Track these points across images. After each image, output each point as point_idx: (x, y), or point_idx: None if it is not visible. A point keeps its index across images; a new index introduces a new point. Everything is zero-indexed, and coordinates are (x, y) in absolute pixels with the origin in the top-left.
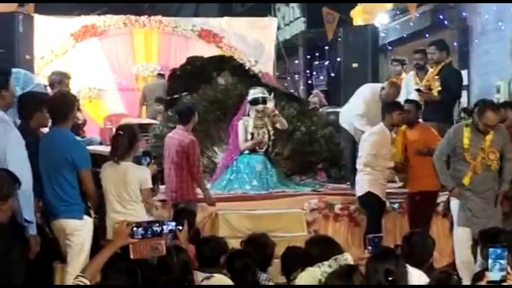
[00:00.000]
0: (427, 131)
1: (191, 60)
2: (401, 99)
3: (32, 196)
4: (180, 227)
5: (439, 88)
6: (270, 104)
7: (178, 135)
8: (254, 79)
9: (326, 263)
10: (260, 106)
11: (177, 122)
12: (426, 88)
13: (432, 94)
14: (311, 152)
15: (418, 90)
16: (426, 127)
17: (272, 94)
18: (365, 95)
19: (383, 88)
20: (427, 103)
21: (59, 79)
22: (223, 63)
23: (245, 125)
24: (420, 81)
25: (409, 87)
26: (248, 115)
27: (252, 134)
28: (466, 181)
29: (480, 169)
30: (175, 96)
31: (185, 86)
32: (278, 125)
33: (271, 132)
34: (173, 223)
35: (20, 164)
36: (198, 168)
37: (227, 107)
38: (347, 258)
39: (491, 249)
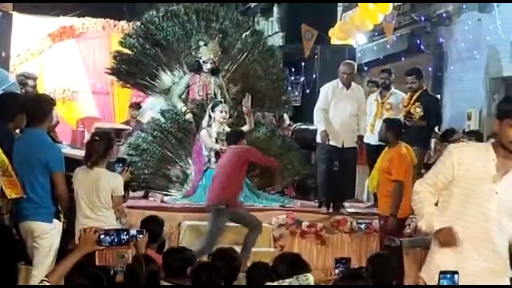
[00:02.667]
0: (399, 160)
1: None
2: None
3: None
4: (141, 235)
5: (421, 114)
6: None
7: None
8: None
9: (287, 280)
10: (222, 105)
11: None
12: (407, 114)
13: (418, 120)
14: (280, 173)
15: (406, 116)
16: (403, 154)
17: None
18: (323, 91)
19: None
20: (408, 129)
21: (20, 80)
22: None
23: (208, 132)
24: (381, 99)
25: (371, 106)
26: (210, 126)
27: (216, 139)
28: None
29: None
30: None
31: None
32: (245, 127)
33: None
34: (134, 231)
35: None
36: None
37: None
38: (309, 278)
39: (442, 275)
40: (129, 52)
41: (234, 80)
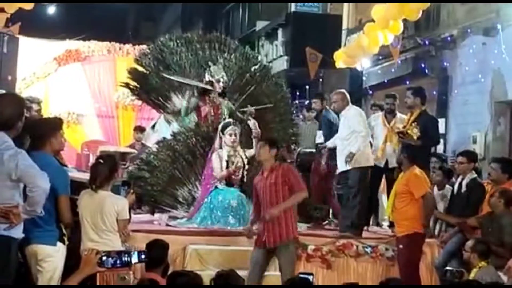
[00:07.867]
0: (416, 179)
1: None
2: (371, 138)
3: None
4: (143, 256)
5: (418, 134)
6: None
7: None
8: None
9: None
10: (231, 127)
11: None
12: (399, 133)
13: (412, 138)
14: None
15: (399, 133)
16: (417, 173)
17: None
18: None
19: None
20: (405, 148)
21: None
22: None
23: (220, 156)
24: (388, 124)
25: (377, 128)
26: (221, 147)
27: (227, 162)
28: None
29: None
30: None
31: None
32: (251, 150)
33: (245, 161)
34: (136, 252)
35: None
36: None
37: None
38: None
39: None
40: (144, 70)
41: (241, 108)
